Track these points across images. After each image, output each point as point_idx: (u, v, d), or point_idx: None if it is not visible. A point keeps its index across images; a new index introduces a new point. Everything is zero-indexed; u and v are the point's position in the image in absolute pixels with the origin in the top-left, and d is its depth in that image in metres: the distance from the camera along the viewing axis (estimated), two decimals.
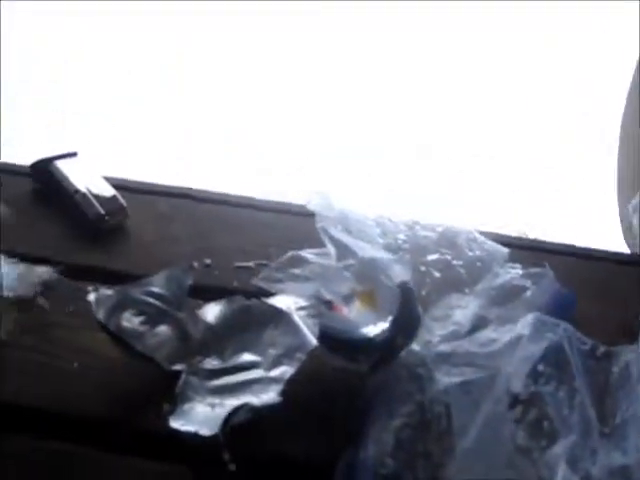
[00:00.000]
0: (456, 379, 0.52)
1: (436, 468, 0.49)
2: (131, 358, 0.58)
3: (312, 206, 0.73)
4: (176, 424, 0.52)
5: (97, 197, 0.76)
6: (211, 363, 0.58)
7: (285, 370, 0.56)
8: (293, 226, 0.77)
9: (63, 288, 0.67)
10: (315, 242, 0.72)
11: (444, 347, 0.55)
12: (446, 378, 0.52)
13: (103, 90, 2.42)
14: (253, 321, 0.61)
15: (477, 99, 2.48)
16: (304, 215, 0.74)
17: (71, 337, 0.63)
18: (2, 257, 0.67)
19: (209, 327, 0.61)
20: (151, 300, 0.61)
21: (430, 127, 2.33)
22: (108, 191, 0.77)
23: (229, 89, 2.48)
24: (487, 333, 0.54)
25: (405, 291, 0.56)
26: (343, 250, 0.69)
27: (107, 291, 0.60)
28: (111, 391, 0.58)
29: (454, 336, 0.59)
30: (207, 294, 0.66)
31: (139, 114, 2.34)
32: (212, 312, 0.62)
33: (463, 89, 2.52)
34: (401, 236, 0.71)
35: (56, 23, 2.74)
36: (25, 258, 0.69)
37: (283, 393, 0.52)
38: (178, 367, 0.58)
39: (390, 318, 0.55)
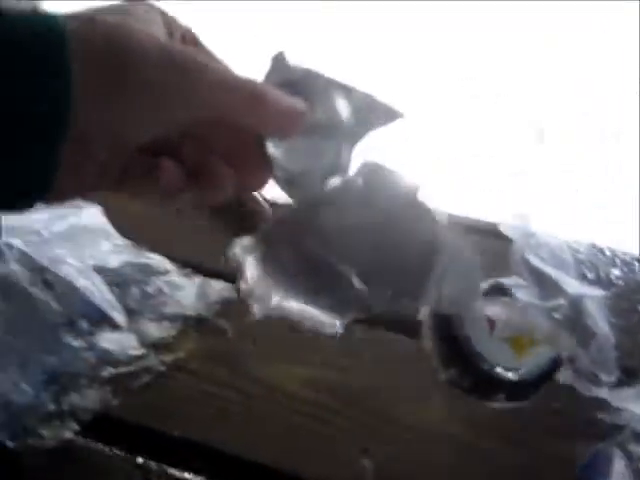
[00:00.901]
0: None
1: None
2: None
3: (508, 230, 0.65)
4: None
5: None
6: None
7: None
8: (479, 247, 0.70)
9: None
10: (503, 269, 0.65)
11: None
12: None
13: None
14: None
15: (476, 99, 2.43)
16: (492, 235, 0.67)
17: (262, 371, 0.56)
18: (175, 268, 0.62)
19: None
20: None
21: (430, 126, 2.25)
22: None
23: None
24: None
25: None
26: (548, 286, 0.61)
27: None
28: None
29: None
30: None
31: None
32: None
33: (463, 89, 2.47)
34: (615, 271, 0.62)
35: None
36: (199, 270, 0.62)
37: None
38: None
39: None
